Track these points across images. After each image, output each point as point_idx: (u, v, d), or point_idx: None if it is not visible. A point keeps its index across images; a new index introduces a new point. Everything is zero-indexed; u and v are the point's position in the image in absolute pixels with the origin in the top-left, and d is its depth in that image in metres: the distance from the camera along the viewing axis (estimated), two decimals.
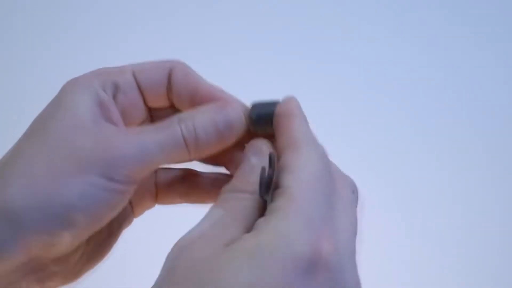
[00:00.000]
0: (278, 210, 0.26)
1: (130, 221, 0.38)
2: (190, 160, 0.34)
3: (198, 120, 0.33)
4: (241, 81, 0.77)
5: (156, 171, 0.38)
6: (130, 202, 0.37)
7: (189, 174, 0.38)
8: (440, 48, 0.82)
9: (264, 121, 0.33)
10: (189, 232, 0.28)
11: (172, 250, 0.28)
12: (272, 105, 0.33)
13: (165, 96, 0.36)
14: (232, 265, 0.25)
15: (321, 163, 0.29)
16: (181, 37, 0.79)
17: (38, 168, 0.30)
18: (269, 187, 0.29)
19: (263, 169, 0.29)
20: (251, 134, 0.34)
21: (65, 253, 0.32)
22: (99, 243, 0.36)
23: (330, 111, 0.78)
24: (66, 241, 0.31)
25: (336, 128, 0.77)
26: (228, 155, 0.36)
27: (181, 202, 0.38)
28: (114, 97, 0.34)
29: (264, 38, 0.80)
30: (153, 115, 0.37)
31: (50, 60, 0.77)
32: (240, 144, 0.35)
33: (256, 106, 0.34)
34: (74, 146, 0.30)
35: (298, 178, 0.27)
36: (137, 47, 0.78)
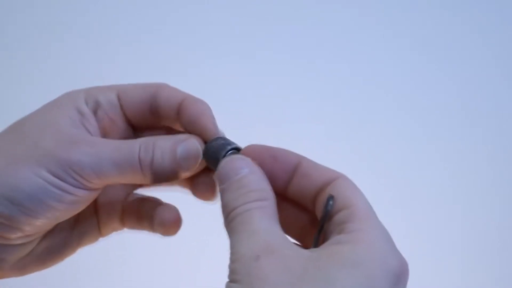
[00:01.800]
0: (361, 229, 0.29)
1: (94, 238, 0.40)
2: (146, 182, 0.35)
3: (158, 145, 0.35)
4: (240, 82, 0.78)
5: (125, 197, 0.40)
6: (98, 221, 0.39)
7: (154, 203, 0.39)
8: (440, 49, 0.82)
9: (212, 163, 0.35)
10: (243, 244, 0.29)
11: (240, 261, 0.28)
12: (222, 151, 0.34)
13: (148, 114, 0.38)
14: (346, 269, 0.27)
15: None
16: (181, 38, 0.79)
17: None
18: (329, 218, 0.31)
19: (330, 196, 0.31)
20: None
21: (14, 240, 0.34)
22: (52, 246, 0.38)
23: (330, 112, 0.78)
24: (16, 226, 0.33)
25: (337, 129, 0.77)
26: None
27: (145, 230, 0.40)
28: (95, 112, 0.37)
29: (263, 38, 0.80)
30: (138, 135, 0.39)
31: (49, 62, 0.77)
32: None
33: (210, 147, 0.35)
34: (35, 143, 0.33)
35: (364, 202, 0.31)
36: (137, 49, 0.78)
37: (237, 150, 0.35)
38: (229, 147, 0.34)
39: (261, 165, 0.33)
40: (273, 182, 0.33)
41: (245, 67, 0.78)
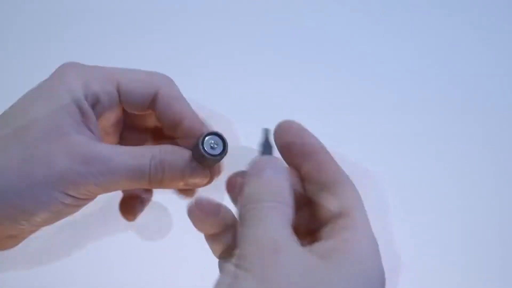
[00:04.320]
0: (356, 240, 0.30)
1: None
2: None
3: (168, 164, 0.36)
4: (240, 82, 0.77)
5: None
6: None
7: None
8: (441, 49, 0.82)
9: (198, 156, 0.36)
10: (260, 232, 0.29)
11: (258, 249, 0.28)
12: (198, 140, 0.36)
13: (146, 109, 0.38)
14: (351, 284, 0.28)
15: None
16: (183, 38, 0.79)
17: (13, 176, 0.33)
18: None
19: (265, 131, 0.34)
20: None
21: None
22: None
23: (330, 112, 0.78)
24: (18, 231, 0.35)
25: (337, 129, 0.77)
26: None
27: None
28: (94, 106, 0.37)
29: (263, 38, 0.80)
30: (130, 121, 0.40)
31: (47, 60, 0.77)
32: None
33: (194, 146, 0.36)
34: (48, 162, 0.34)
35: (362, 211, 0.32)
36: (138, 49, 0.78)
37: (216, 135, 0.36)
38: (204, 135, 0.35)
39: (286, 137, 0.35)
40: (289, 158, 0.34)
41: (245, 67, 0.78)
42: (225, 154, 0.35)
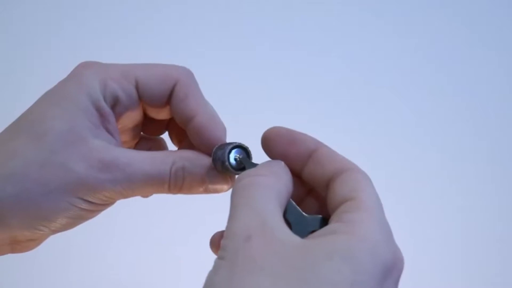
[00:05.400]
0: (359, 220, 0.29)
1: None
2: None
3: (188, 172, 0.36)
4: (240, 81, 0.78)
5: None
6: None
7: None
8: (441, 49, 0.82)
9: (220, 165, 0.35)
10: (238, 220, 0.29)
11: (232, 239, 0.28)
12: (226, 150, 0.35)
13: (166, 111, 0.38)
14: (333, 262, 0.26)
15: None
16: (181, 37, 0.79)
17: (30, 182, 0.33)
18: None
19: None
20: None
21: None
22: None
23: (329, 111, 0.78)
24: (38, 236, 0.35)
25: (337, 128, 0.77)
26: None
27: None
28: (113, 107, 0.36)
29: (262, 37, 0.80)
30: (150, 112, 0.39)
31: (48, 60, 0.77)
32: None
33: (216, 152, 0.36)
34: (65, 165, 0.33)
35: (369, 194, 0.31)
36: (137, 47, 0.78)
37: (240, 147, 0.35)
38: (231, 146, 0.35)
39: (277, 147, 0.34)
40: (288, 165, 0.33)
41: (245, 66, 0.78)
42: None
